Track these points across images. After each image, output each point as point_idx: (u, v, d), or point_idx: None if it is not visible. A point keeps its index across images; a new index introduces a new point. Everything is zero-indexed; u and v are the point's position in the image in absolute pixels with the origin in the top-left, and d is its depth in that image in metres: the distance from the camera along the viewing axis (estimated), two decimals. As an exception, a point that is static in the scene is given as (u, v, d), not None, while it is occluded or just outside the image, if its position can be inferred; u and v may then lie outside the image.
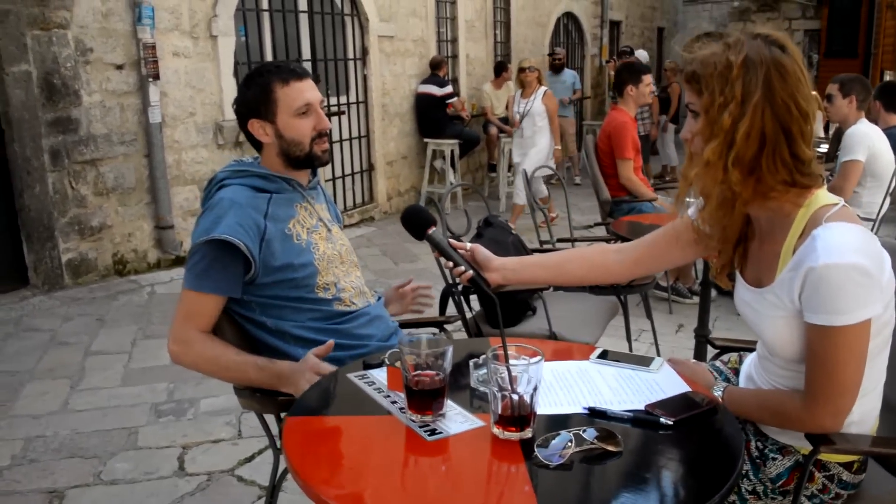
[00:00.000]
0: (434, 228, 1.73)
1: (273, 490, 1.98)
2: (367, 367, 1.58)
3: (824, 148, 6.85)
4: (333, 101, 7.00)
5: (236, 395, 1.89)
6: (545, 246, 3.54)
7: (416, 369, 1.34)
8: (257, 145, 1.91)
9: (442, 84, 7.87)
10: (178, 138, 5.45)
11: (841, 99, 4.23)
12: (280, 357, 1.84)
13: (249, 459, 2.84)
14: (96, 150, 4.82)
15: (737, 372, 1.77)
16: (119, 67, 4.93)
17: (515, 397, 1.25)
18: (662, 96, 9.71)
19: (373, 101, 7.54)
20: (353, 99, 7.38)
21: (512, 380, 1.26)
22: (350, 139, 7.39)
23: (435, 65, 7.99)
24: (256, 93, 1.85)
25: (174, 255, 5.47)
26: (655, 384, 1.48)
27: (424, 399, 1.33)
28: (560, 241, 3.58)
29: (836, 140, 5.94)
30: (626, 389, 1.45)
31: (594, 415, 1.35)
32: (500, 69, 8.66)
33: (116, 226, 5.09)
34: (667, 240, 1.68)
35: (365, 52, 7.38)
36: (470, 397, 1.45)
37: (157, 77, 5.05)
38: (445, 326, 2.27)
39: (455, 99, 8.07)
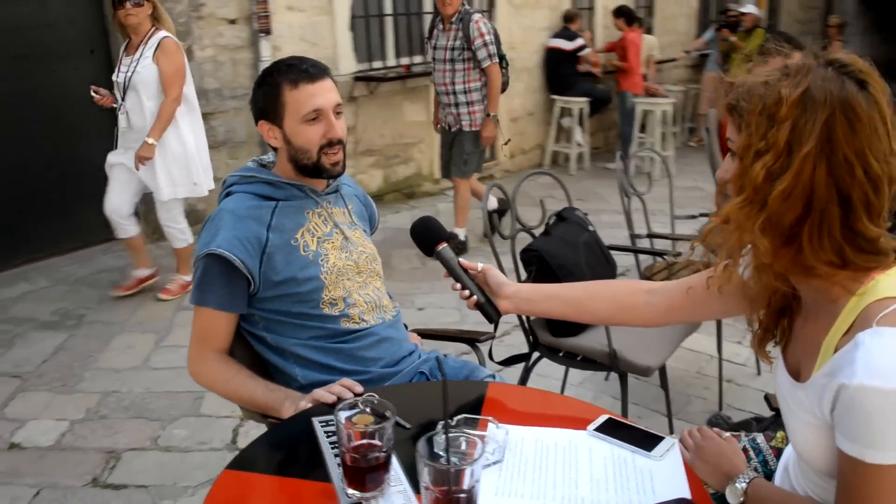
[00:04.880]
0: (445, 245, 1.57)
1: None
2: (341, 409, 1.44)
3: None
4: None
5: (240, 408, 1.83)
6: (638, 241, 3.22)
7: (363, 437, 1.19)
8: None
9: (572, 38, 7.42)
10: (291, 93, 5.47)
11: None
12: (280, 375, 1.76)
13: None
14: (207, 104, 4.92)
15: (779, 453, 1.48)
16: (231, 22, 4.98)
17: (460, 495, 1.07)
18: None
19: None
20: (476, 53, 7.11)
21: (460, 477, 1.07)
22: (472, 94, 7.16)
23: (568, 18, 7.54)
24: (265, 92, 1.72)
25: (282, 208, 5.56)
26: (650, 479, 1.24)
27: (358, 474, 1.17)
28: (651, 236, 3.24)
29: None
30: (609, 482, 1.22)
31: (555, 517, 1.14)
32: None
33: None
34: (707, 288, 1.40)
35: (492, 3, 7.06)
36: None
37: (268, 32, 5.06)
38: (477, 344, 2.07)
39: (587, 51, 7.59)
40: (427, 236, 1.59)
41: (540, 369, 3.14)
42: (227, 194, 1.78)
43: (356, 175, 6.12)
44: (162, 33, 3.72)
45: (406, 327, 2.07)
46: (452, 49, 4.71)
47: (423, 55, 6.47)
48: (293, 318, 1.73)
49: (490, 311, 1.54)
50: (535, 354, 2.58)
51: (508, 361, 2.61)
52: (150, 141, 3.75)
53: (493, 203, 5.07)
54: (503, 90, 4.96)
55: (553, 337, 2.51)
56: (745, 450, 1.49)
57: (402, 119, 6.39)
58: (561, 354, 2.50)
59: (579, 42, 7.46)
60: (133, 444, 2.81)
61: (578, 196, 6.83)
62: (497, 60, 4.74)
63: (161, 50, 3.68)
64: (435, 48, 4.82)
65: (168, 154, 3.83)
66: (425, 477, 1.06)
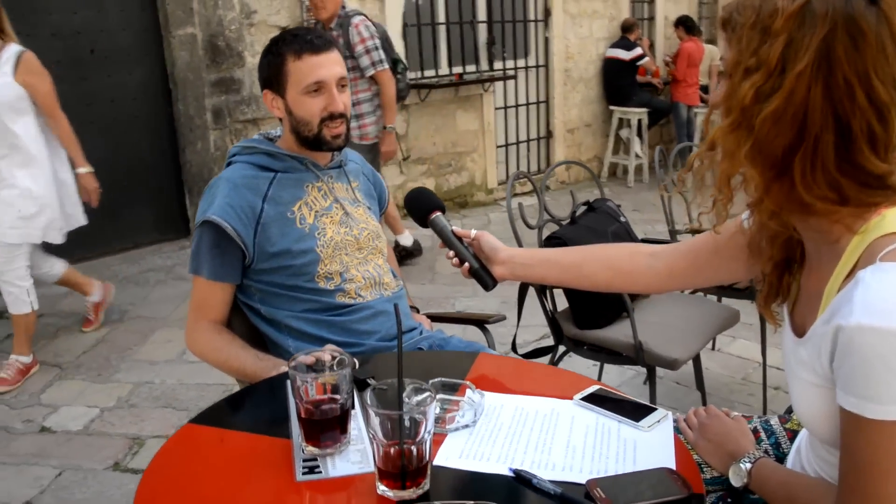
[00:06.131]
0: (438, 213, 1.51)
1: None
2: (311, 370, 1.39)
3: None
4: (510, 64, 6.73)
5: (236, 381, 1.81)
6: (678, 237, 3.07)
7: (324, 392, 1.13)
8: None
9: (630, 47, 7.27)
10: (341, 100, 5.51)
11: None
12: (274, 346, 1.73)
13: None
14: (258, 110, 5.00)
15: (794, 436, 1.34)
16: (283, 29, 5.06)
17: (409, 448, 0.99)
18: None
19: (554, 65, 7.16)
20: (531, 63, 7.05)
21: (417, 426, 0.99)
22: (527, 104, 7.10)
23: (626, 27, 7.40)
24: (270, 62, 1.70)
25: (331, 214, 5.59)
26: (633, 449, 1.13)
27: (314, 428, 1.11)
28: (691, 231, 3.07)
29: None
30: (587, 450, 1.12)
31: (519, 480, 1.04)
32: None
33: (276, 183, 5.28)
34: (710, 249, 1.29)
35: (547, 13, 7.00)
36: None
37: (319, 39, 5.12)
38: (487, 326, 1.99)
39: (646, 60, 7.41)
40: (420, 206, 1.54)
41: (575, 370, 3.03)
42: (229, 164, 1.77)
43: (407, 183, 6.12)
44: (16, 47, 3.10)
45: (417, 311, 2.01)
46: None
47: (476, 64, 6.46)
48: (287, 290, 1.69)
49: (485, 277, 1.47)
50: (561, 349, 2.47)
51: (532, 354, 2.51)
52: (85, 170, 3.32)
53: (407, 239, 4.63)
54: (401, 99, 4.39)
55: (578, 329, 2.39)
56: (755, 431, 1.35)
57: (455, 128, 6.36)
58: (585, 347, 2.38)
59: (637, 51, 7.30)
60: (158, 431, 2.82)
61: (635, 207, 6.65)
62: (385, 66, 4.09)
63: (25, 66, 3.07)
64: None
65: (19, 189, 3.12)
66: (375, 427, 0.99)
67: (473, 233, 1.49)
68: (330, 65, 1.67)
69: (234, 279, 1.68)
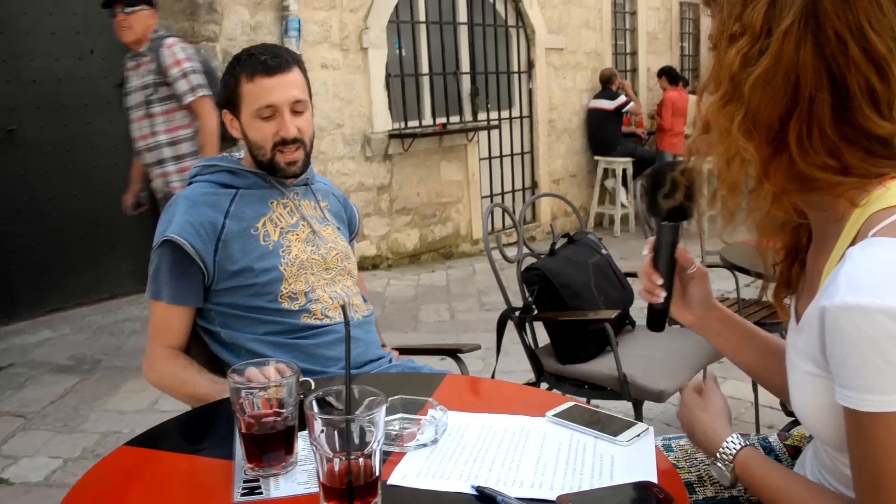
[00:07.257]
0: (685, 224, 1.15)
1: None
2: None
3: None
4: (494, 115, 6.77)
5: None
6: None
7: (269, 406, 1.03)
8: None
9: (613, 97, 7.34)
10: (325, 149, 5.50)
11: None
12: (233, 374, 1.62)
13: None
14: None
15: (796, 452, 1.24)
16: (266, 78, 5.07)
17: (356, 461, 0.89)
18: None
19: (538, 115, 7.21)
20: (516, 114, 7.10)
21: (365, 436, 0.90)
22: (512, 155, 7.12)
23: (605, 79, 7.47)
24: (226, 82, 1.65)
25: (315, 264, 5.51)
26: (610, 463, 1.03)
27: (256, 446, 1.00)
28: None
29: None
30: (559, 466, 1.02)
31: (481, 498, 0.94)
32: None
33: (258, 233, 5.21)
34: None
35: (531, 65, 7.08)
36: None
37: (302, 88, 5.12)
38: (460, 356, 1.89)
39: (631, 105, 7.44)
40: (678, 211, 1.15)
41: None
42: (189, 184, 1.70)
43: (391, 233, 6.06)
44: None
45: (384, 346, 1.91)
46: (145, 87, 3.48)
47: (460, 114, 6.49)
48: (249, 311, 1.60)
49: (660, 319, 1.19)
50: (544, 386, 2.37)
51: (513, 391, 2.40)
52: None
53: None
54: (227, 139, 3.56)
55: (560, 364, 2.30)
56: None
57: (439, 178, 6.35)
58: (568, 383, 2.28)
59: (621, 100, 7.36)
60: (122, 482, 2.67)
61: (622, 255, 6.60)
62: (206, 93, 3.45)
63: None
64: (128, 94, 3.57)
65: None
66: (318, 438, 0.89)
67: (697, 266, 1.19)
68: (284, 88, 1.60)
69: (195, 302, 1.60)
